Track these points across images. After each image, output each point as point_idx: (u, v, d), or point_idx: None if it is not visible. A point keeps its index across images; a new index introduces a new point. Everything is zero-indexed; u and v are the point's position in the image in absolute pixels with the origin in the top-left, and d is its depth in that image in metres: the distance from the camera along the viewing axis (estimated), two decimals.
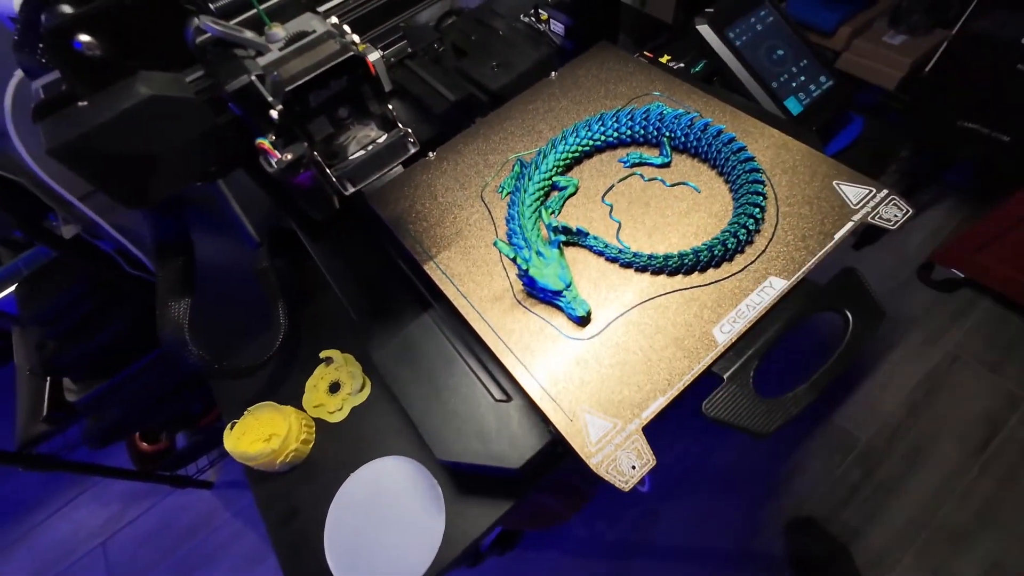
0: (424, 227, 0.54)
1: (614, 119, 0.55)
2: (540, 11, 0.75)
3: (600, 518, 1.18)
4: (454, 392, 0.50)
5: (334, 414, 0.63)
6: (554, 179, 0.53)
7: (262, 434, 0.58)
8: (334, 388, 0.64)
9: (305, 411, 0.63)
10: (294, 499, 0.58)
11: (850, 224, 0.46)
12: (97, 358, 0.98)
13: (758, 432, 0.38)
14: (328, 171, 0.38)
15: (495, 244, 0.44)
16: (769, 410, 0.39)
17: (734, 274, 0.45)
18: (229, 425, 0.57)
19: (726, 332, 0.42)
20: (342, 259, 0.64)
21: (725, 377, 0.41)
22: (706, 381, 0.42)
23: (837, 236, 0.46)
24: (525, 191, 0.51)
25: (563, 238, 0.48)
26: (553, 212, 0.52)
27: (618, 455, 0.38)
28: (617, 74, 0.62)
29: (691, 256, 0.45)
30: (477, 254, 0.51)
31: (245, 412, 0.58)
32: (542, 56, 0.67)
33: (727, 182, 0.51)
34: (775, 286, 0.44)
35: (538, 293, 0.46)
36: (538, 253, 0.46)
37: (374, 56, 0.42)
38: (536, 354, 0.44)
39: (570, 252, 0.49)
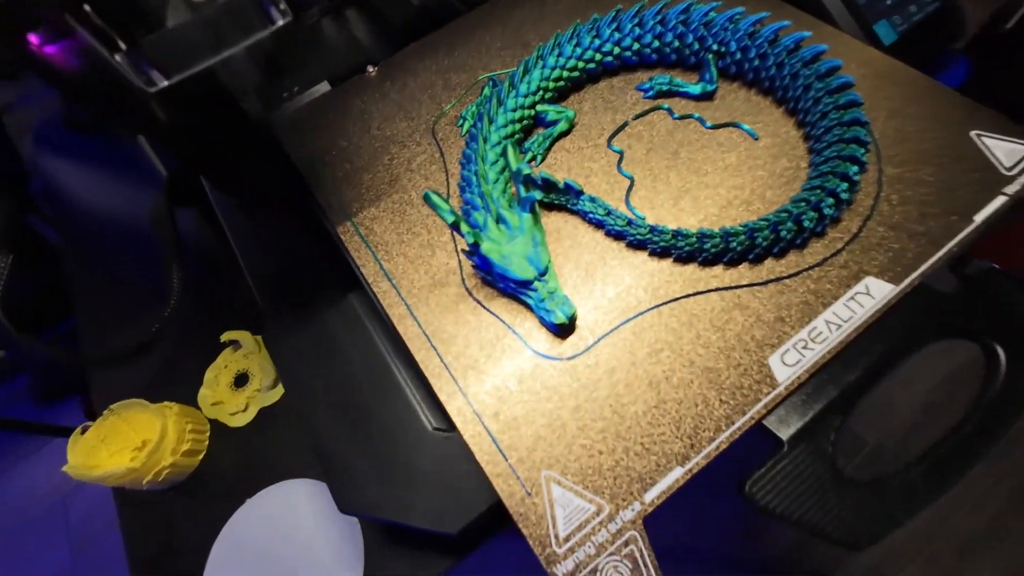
0: (346, 172, 0.37)
1: (634, 22, 0.36)
2: None
3: None
4: (376, 414, 0.35)
5: (236, 416, 0.47)
6: (538, 108, 0.35)
7: (131, 441, 0.44)
8: (240, 381, 0.49)
9: (199, 410, 0.48)
10: (173, 530, 0.43)
11: (1002, 199, 0.29)
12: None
13: (844, 542, 0.23)
14: (115, 44, 0.21)
15: (426, 197, 0.27)
16: (863, 504, 0.23)
17: (807, 269, 0.29)
18: (79, 429, 0.42)
19: (792, 365, 0.26)
20: (252, 215, 0.47)
21: (786, 440, 0.25)
22: (752, 440, 0.26)
23: (979, 217, 0.28)
24: (492, 122, 0.33)
25: (541, 196, 0.31)
26: (533, 158, 0.35)
27: (601, 564, 0.23)
28: None
29: (742, 237, 0.28)
30: (416, 215, 0.34)
31: (106, 411, 0.43)
32: None
33: (803, 124, 0.33)
34: (874, 292, 0.27)
35: (496, 281, 0.29)
36: (499, 219, 0.29)
37: None
38: (485, 378, 0.28)
39: (551, 220, 0.32)
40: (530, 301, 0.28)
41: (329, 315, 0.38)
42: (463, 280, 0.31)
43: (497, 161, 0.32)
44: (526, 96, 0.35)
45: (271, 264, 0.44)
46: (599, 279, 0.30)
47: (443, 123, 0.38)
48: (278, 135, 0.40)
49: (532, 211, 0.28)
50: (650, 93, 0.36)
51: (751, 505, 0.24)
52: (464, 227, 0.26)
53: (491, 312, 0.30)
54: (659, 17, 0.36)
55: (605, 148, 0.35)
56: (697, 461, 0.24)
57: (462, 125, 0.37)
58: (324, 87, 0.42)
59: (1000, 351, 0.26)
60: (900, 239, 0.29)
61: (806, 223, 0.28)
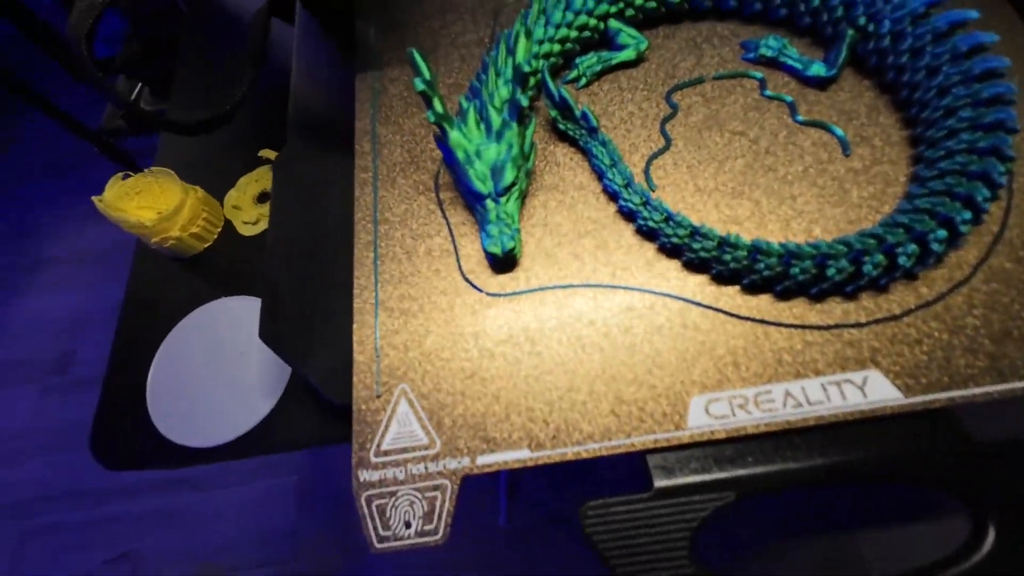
0: (396, 18, 0.35)
1: None
2: None
3: None
4: (327, 269, 0.35)
5: (247, 225, 0.51)
6: (611, 23, 0.29)
7: (155, 203, 0.48)
8: (263, 199, 0.52)
9: (221, 206, 0.51)
10: (158, 310, 0.48)
11: None
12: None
13: None
14: None
15: (409, 53, 0.24)
16: None
17: (809, 327, 0.22)
18: (121, 175, 0.48)
19: (714, 416, 0.21)
20: (320, 48, 0.47)
21: (656, 486, 0.21)
22: (638, 468, 0.22)
23: None
24: (543, 12, 0.28)
25: (554, 115, 0.26)
26: (577, 77, 0.29)
27: (401, 492, 0.22)
28: None
29: (807, 262, 0.22)
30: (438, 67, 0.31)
31: (147, 170, 0.48)
32: None
33: (921, 141, 0.24)
34: (870, 391, 0.21)
35: (458, 183, 0.26)
36: (481, 115, 0.25)
37: None
38: (405, 274, 0.26)
39: (557, 152, 0.28)
40: (477, 216, 0.25)
41: (332, 163, 0.38)
42: (438, 173, 0.28)
43: (529, 60, 0.27)
44: (589, 5, 0.29)
45: (312, 99, 0.44)
46: (575, 234, 0.26)
47: (508, 11, 0.34)
48: None
49: (520, 120, 0.24)
50: (751, 55, 0.29)
51: (581, 526, 0.21)
52: (436, 103, 0.23)
53: (443, 215, 0.27)
54: None
55: (661, 98, 0.29)
56: (549, 455, 0.22)
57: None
58: None
59: (991, 529, 0.19)
60: (955, 344, 0.21)
61: (901, 260, 0.21)
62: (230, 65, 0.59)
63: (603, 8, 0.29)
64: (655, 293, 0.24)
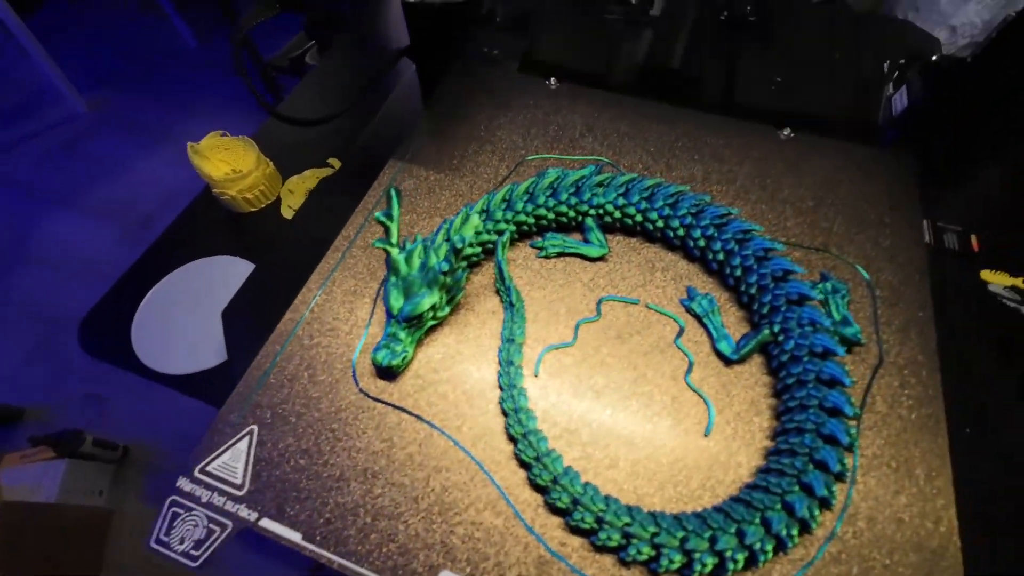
0: (439, 127, 0.41)
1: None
2: (898, 68, 0.45)
3: None
4: None
5: (289, 209, 0.59)
6: (588, 220, 0.33)
7: (231, 161, 0.58)
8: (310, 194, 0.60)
9: (281, 183, 0.60)
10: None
11: None
12: None
13: None
14: None
15: (389, 191, 0.29)
16: None
17: None
18: (220, 132, 0.57)
19: None
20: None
21: None
22: None
23: None
24: (508, 202, 0.33)
25: (496, 281, 0.30)
26: (542, 247, 0.33)
27: (197, 510, 0.26)
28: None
29: (645, 544, 0.23)
30: (439, 205, 0.36)
31: (237, 137, 0.58)
32: (859, 115, 0.41)
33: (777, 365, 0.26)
34: None
35: (384, 297, 0.30)
36: (425, 250, 0.29)
37: None
38: (320, 335, 0.31)
39: (485, 304, 0.32)
40: (386, 328, 0.29)
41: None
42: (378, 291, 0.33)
43: (482, 227, 0.32)
44: (585, 193, 0.33)
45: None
46: (457, 378, 0.29)
47: (532, 164, 0.38)
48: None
49: (445, 273, 0.28)
50: (687, 302, 0.31)
51: None
52: (392, 233, 0.28)
53: (371, 316, 0.32)
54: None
55: (595, 300, 0.32)
56: (313, 551, 0.25)
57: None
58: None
59: None
60: None
61: (729, 566, 0.23)
62: (351, 81, 0.68)
63: (544, 211, 0.33)
64: (479, 466, 0.27)
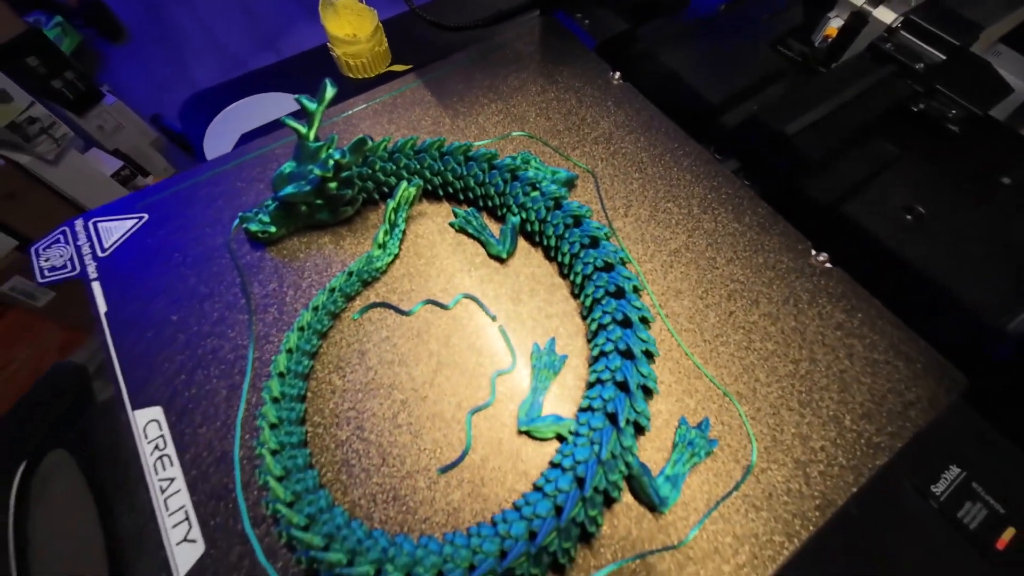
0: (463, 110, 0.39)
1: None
2: None
3: None
4: None
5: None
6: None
7: (354, 25, 0.62)
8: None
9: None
10: None
11: None
12: None
13: None
14: None
15: (297, 99, 0.28)
16: None
17: None
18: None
19: None
20: None
21: None
22: None
23: None
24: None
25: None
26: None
27: (63, 250, 0.31)
28: None
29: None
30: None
31: (370, 7, 0.61)
32: None
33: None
34: None
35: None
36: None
37: None
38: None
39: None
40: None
41: None
42: None
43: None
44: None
45: None
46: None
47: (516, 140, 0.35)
48: None
49: (325, 179, 0.28)
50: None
51: None
52: (315, 119, 0.28)
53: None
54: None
55: (455, 296, 0.29)
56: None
57: None
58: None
59: None
60: None
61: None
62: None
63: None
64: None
